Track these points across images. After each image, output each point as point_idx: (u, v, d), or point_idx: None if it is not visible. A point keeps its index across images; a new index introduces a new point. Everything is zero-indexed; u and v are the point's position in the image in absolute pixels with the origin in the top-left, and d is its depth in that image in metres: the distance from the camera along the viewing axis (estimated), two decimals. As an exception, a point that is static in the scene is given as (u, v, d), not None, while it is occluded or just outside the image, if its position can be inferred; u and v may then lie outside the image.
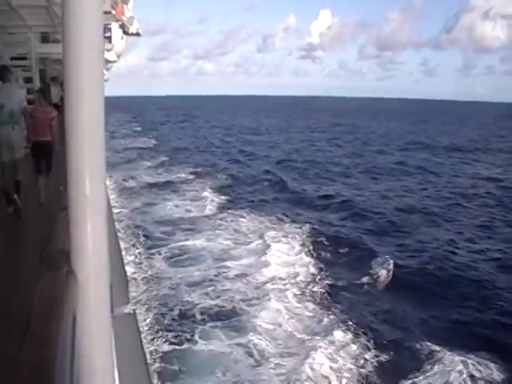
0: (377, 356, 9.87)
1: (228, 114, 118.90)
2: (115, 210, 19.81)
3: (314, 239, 17.13)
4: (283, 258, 15.45)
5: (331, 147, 47.97)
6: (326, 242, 16.97)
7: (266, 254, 15.63)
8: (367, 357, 9.82)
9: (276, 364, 9.41)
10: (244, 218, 20.38)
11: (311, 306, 12.13)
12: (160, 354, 9.66)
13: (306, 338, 10.47)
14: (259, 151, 43.81)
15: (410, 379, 9.07)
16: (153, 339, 10.26)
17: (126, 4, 11.54)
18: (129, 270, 13.04)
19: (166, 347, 9.95)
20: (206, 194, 24.94)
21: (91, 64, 1.67)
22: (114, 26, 12.22)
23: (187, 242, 17.06)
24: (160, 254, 15.63)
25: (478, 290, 13.28)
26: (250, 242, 16.91)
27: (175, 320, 11.23)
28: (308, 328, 10.92)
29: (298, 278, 13.82)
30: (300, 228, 18.38)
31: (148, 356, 8.88)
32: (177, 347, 9.96)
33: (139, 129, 65.61)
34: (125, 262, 9.70)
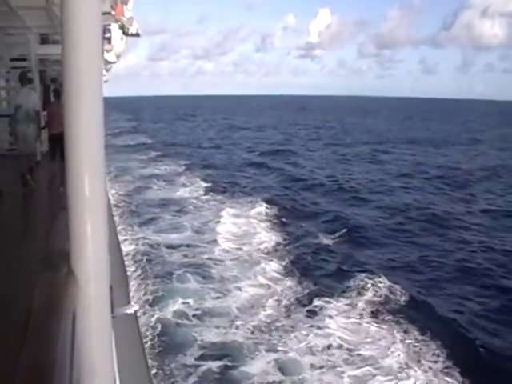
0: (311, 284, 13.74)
1: (225, 113, 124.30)
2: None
3: (277, 212, 21.57)
4: (251, 228, 19.09)
5: (308, 141, 53.97)
6: (287, 213, 21.59)
7: (238, 226, 19.27)
8: (303, 287, 13.54)
9: (233, 296, 13.04)
10: (225, 198, 24.28)
11: (265, 260, 15.65)
12: (149, 288, 13.25)
13: (251, 279, 14.14)
14: (245, 144, 50.11)
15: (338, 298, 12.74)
16: (141, 283, 13.67)
17: (126, 4, 11.50)
18: (122, 237, 16.58)
19: (153, 286, 13.45)
20: (195, 180, 28.98)
21: (90, 65, 1.67)
22: (114, 27, 12.17)
23: (172, 218, 20.85)
24: (149, 229, 19.06)
25: (399, 239, 18.59)
26: (226, 218, 20.36)
27: (158, 269, 14.78)
28: (257, 272, 14.58)
29: (260, 244, 17.20)
30: (267, 204, 22.67)
31: (148, 355, 9.36)
32: (159, 286, 13.44)
33: (137, 128, 69.07)
34: (124, 259, 10.83)
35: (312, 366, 9.73)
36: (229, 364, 9.86)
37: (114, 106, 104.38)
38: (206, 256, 16.00)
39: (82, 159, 1.71)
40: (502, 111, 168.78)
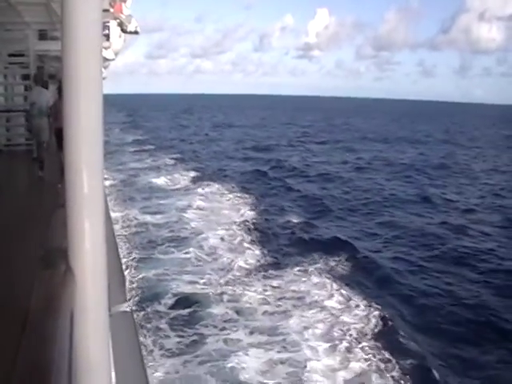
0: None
1: (220, 111, 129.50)
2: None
3: (250, 195, 25.16)
4: (227, 208, 22.59)
5: (289, 139, 58.99)
6: (259, 195, 25.59)
7: (217, 208, 22.56)
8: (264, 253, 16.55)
9: (209, 263, 15.64)
10: (207, 186, 27.28)
11: (238, 233, 18.56)
12: (137, 258, 15.58)
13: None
14: (232, 140, 55.55)
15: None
16: (130, 252, 16.08)
17: (125, 2, 11.45)
18: (114, 215, 19.23)
19: (138, 255, 15.84)
20: (181, 171, 32.38)
21: (90, 62, 1.67)
22: (112, 24, 12.11)
23: (158, 201, 24.00)
24: (136, 209, 22.03)
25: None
26: (206, 201, 23.76)
27: (144, 242, 17.34)
28: (230, 243, 17.52)
29: (235, 221, 20.22)
30: (243, 189, 26.57)
31: (144, 353, 9.46)
32: (144, 256, 15.87)
33: (132, 124, 73.45)
34: (122, 260, 11.27)
35: (265, 312, 12.31)
36: (197, 309, 12.33)
37: (112, 104, 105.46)
38: (186, 231, 18.90)
39: (81, 156, 1.70)
40: (494, 114, 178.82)
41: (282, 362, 10.02)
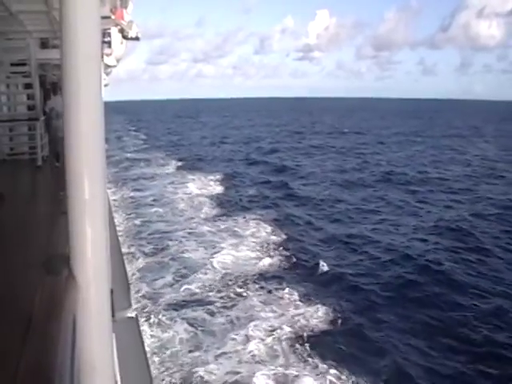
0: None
1: (216, 115, 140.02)
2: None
3: (230, 180, 33.48)
4: (205, 190, 30.06)
5: (259, 133, 72.81)
6: (231, 176, 35.01)
7: (200, 192, 29.54)
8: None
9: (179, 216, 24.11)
10: (190, 173, 35.85)
11: (206, 201, 27.09)
12: (131, 223, 22.63)
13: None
14: (220, 138, 66.20)
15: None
16: (127, 219, 23.10)
17: (126, 8, 11.47)
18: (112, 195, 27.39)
19: (135, 222, 22.81)
20: (171, 162, 41.89)
21: (89, 69, 1.67)
22: (114, 31, 12.14)
23: (147, 182, 32.82)
24: (128, 189, 30.45)
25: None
26: (187, 184, 31.56)
27: (138, 211, 24.66)
28: (200, 204, 26.40)
29: (207, 193, 28.93)
30: (220, 175, 35.11)
31: (149, 359, 9.48)
32: (138, 223, 22.71)
33: (134, 128, 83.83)
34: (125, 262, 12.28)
35: (210, 235, 20.62)
36: (167, 235, 20.67)
37: (114, 110, 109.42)
38: (167, 198, 27.48)
39: (83, 163, 1.70)
40: (483, 110, 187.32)
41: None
